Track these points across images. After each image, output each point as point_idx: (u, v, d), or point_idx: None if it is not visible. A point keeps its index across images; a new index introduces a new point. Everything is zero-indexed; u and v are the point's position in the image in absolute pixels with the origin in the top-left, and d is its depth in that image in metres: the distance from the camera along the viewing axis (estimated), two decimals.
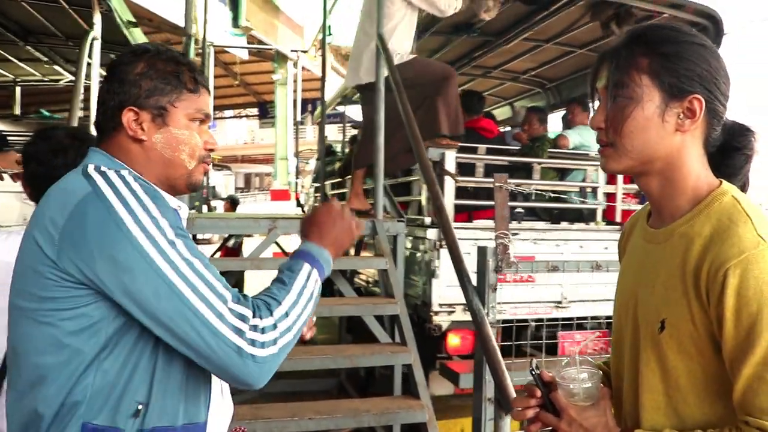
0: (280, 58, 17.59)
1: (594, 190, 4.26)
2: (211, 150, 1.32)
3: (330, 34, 6.56)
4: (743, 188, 1.15)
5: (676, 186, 1.09)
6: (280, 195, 15.93)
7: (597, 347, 3.75)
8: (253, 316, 1.12)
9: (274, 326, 1.13)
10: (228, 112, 23.33)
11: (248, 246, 7.60)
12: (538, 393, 1.15)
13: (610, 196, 4.23)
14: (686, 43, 1.06)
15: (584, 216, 4.33)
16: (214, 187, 8.94)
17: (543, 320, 3.60)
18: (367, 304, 3.59)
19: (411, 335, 3.23)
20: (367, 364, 3.60)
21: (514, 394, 2.10)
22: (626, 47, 1.08)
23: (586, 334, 3.80)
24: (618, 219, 4.24)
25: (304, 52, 10.59)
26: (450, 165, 3.71)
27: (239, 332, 1.09)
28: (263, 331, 1.11)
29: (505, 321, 3.36)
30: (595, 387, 1.12)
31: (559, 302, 3.90)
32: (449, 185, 3.72)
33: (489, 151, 4.23)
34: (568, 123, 5.41)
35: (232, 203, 9.24)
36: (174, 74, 1.25)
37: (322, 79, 5.44)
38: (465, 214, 4.04)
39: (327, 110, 6.44)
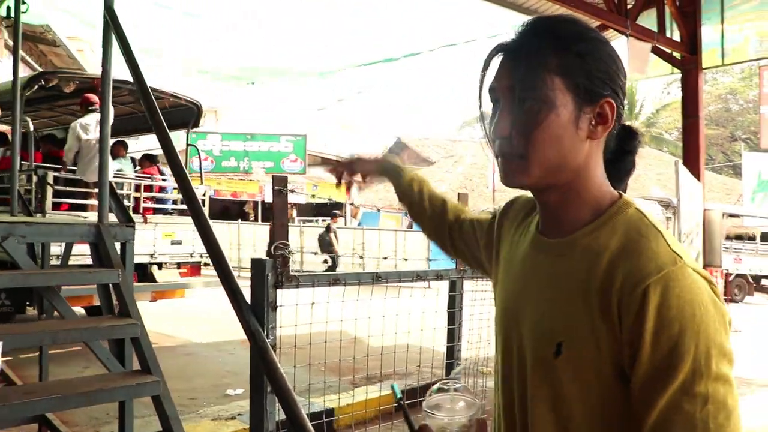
0: None
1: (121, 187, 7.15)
2: None
3: (24, 2, 5.39)
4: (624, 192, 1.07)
5: (579, 196, 0.99)
6: None
7: None
8: None
9: None
10: None
11: None
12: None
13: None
14: (596, 40, 0.96)
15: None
16: None
17: None
18: (102, 327, 2.90)
19: (155, 360, 2.67)
20: (108, 401, 2.93)
21: (312, 429, 1.85)
22: (532, 42, 0.95)
23: None
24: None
25: None
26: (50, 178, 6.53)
27: None
28: None
29: None
30: (469, 420, 0.98)
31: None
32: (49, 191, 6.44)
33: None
34: None
35: None
36: None
37: (15, 53, 4.34)
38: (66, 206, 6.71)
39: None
